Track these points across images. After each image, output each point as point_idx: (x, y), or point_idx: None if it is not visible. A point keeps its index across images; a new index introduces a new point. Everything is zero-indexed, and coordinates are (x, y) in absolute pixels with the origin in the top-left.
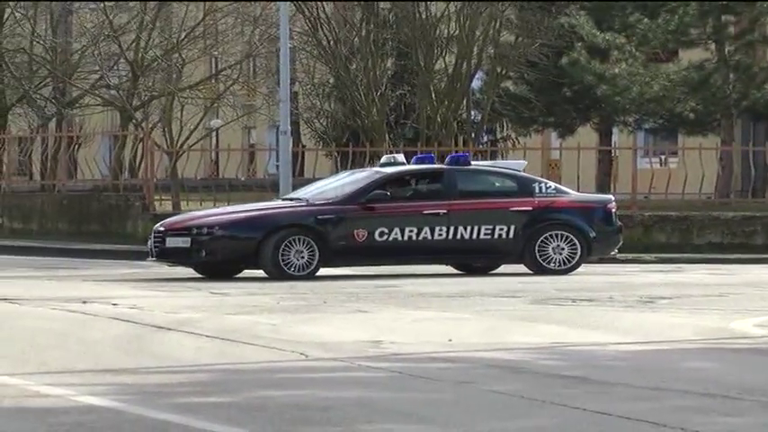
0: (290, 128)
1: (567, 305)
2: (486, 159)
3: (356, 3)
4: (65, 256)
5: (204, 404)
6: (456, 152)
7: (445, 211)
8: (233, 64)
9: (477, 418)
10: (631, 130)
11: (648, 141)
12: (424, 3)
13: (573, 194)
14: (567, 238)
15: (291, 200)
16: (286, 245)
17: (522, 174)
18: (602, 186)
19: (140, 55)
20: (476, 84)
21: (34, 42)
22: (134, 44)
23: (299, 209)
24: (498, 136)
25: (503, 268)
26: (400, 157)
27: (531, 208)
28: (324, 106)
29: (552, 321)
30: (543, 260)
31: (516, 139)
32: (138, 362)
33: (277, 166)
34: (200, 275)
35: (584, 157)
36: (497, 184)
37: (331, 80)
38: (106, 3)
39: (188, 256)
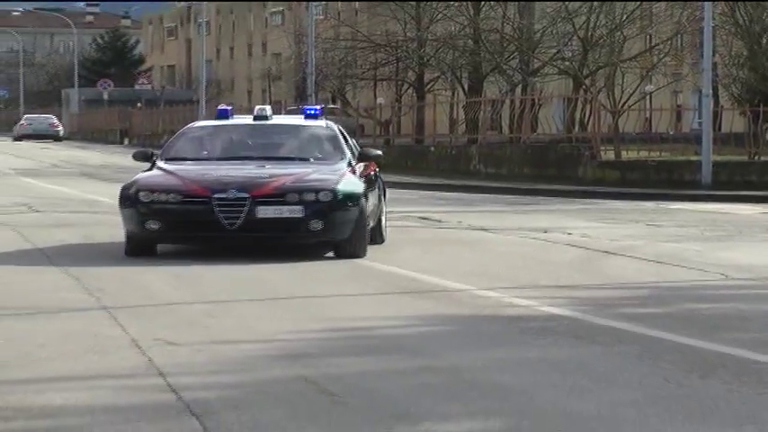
0: (710, 91)
1: None
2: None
3: None
4: (528, 195)
5: (644, 314)
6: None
7: (374, 174)
8: (664, 40)
9: None
10: None
11: None
12: None
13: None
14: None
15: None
16: None
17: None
18: None
19: (590, 33)
20: None
21: (505, 24)
22: (584, 24)
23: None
24: None
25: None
26: (268, 110)
27: (372, 172)
28: (739, 74)
29: None
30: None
31: None
32: (590, 279)
33: (699, 123)
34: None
35: None
36: (350, 144)
37: (745, 53)
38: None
39: (296, 229)
